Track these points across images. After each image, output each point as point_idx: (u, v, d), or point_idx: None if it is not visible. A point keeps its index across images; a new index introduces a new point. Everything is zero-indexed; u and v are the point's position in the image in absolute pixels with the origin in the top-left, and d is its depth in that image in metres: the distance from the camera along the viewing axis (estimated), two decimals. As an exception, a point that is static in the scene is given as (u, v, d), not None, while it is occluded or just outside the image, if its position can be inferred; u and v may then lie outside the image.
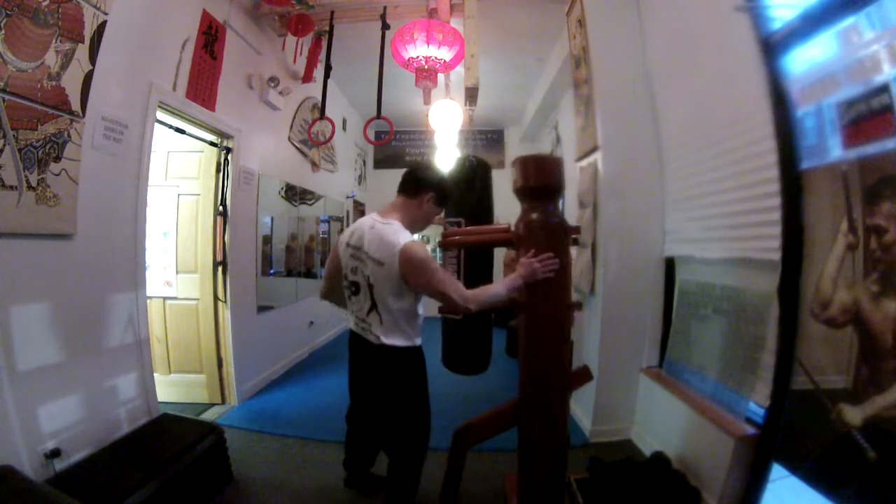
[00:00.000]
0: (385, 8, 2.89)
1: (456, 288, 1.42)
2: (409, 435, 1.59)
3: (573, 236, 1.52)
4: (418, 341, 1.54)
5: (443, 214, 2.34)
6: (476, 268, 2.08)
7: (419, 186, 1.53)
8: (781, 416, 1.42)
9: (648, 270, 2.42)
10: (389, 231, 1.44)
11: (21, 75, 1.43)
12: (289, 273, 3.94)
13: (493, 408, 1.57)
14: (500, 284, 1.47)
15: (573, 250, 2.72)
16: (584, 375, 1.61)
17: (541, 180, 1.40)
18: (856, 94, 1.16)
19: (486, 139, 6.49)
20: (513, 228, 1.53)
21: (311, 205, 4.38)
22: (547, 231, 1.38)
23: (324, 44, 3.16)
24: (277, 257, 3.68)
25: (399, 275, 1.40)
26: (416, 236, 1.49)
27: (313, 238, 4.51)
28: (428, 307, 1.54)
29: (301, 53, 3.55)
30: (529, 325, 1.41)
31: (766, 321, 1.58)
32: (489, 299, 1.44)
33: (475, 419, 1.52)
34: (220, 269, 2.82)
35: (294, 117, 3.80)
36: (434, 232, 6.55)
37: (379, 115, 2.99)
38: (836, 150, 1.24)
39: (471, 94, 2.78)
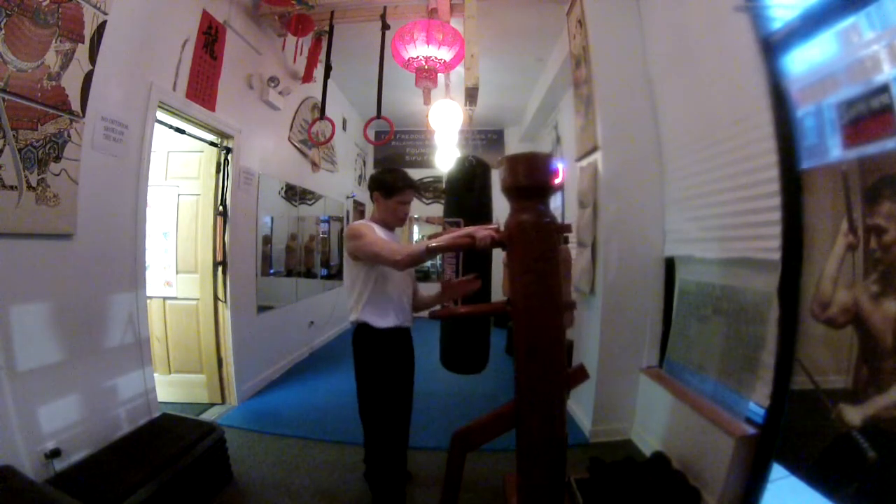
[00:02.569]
0: (385, 8, 2.89)
1: (383, 246, 1.52)
2: (366, 414, 1.65)
3: (564, 235, 1.52)
4: (377, 323, 1.61)
5: (443, 214, 2.35)
6: (474, 264, 2.08)
7: (370, 191, 1.74)
8: (781, 416, 1.42)
9: (648, 270, 2.42)
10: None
11: (21, 75, 1.43)
12: (289, 273, 3.94)
13: (493, 407, 1.57)
14: (424, 243, 1.54)
15: (573, 250, 2.73)
16: (581, 374, 1.61)
17: (532, 179, 1.38)
18: (856, 94, 1.16)
19: (486, 139, 6.50)
20: (502, 229, 1.51)
21: (311, 205, 4.38)
22: (539, 231, 1.36)
23: (324, 44, 3.16)
24: (277, 257, 3.68)
25: (346, 252, 1.62)
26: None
27: (313, 238, 4.51)
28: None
29: (301, 53, 3.55)
30: (525, 324, 1.40)
31: (766, 321, 1.57)
32: (415, 253, 1.51)
33: (474, 423, 1.51)
34: (220, 269, 2.82)
35: (294, 117, 3.80)
36: (433, 232, 6.56)
37: (379, 115, 2.99)
38: (836, 150, 1.24)
39: (471, 94, 2.78)
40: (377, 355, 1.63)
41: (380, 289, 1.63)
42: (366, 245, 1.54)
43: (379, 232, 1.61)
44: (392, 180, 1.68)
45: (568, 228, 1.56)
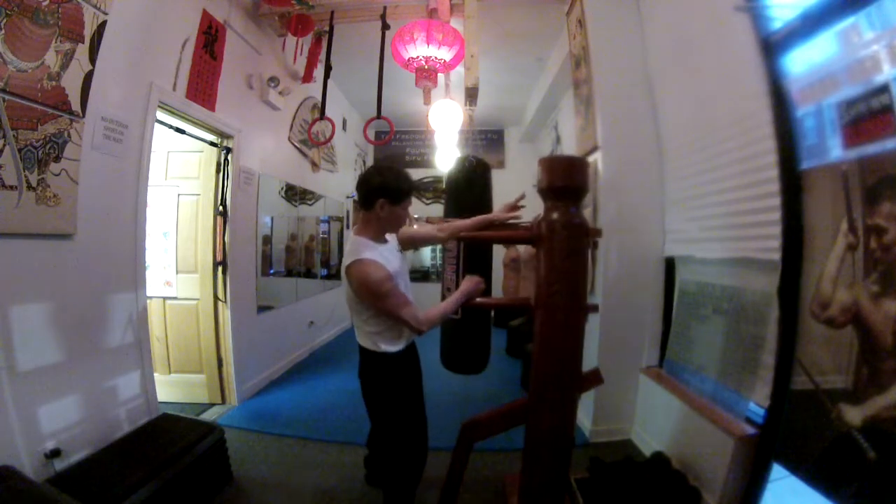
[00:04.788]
0: (385, 8, 2.89)
1: (408, 310, 1.44)
2: (390, 436, 1.60)
3: (594, 239, 1.53)
4: (390, 348, 1.50)
5: (443, 214, 2.34)
6: (474, 264, 2.08)
7: (368, 197, 1.49)
8: (781, 416, 1.42)
9: (648, 270, 2.42)
10: (350, 248, 1.49)
11: (21, 75, 1.43)
12: (289, 273, 3.94)
13: (495, 406, 1.58)
14: (450, 303, 1.54)
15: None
16: (595, 378, 1.61)
17: (567, 180, 1.40)
18: (856, 94, 1.16)
19: (486, 139, 6.49)
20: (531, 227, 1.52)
21: (311, 205, 4.38)
22: (569, 231, 1.37)
23: (324, 44, 3.16)
24: (277, 257, 3.67)
25: (350, 290, 1.47)
26: (372, 254, 1.44)
27: (313, 238, 4.51)
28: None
29: (301, 53, 3.55)
30: (546, 324, 1.40)
31: (766, 321, 1.58)
32: (441, 318, 1.52)
33: (483, 414, 1.52)
34: (220, 269, 2.82)
35: (294, 117, 3.80)
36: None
37: (379, 115, 2.99)
38: (836, 150, 1.24)
39: (471, 94, 2.78)
40: (395, 382, 1.54)
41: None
42: (389, 307, 1.41)
43: (378, 256, 1.43)
44: (398, 185, 1.49)
45: (598, 233, 1.57)
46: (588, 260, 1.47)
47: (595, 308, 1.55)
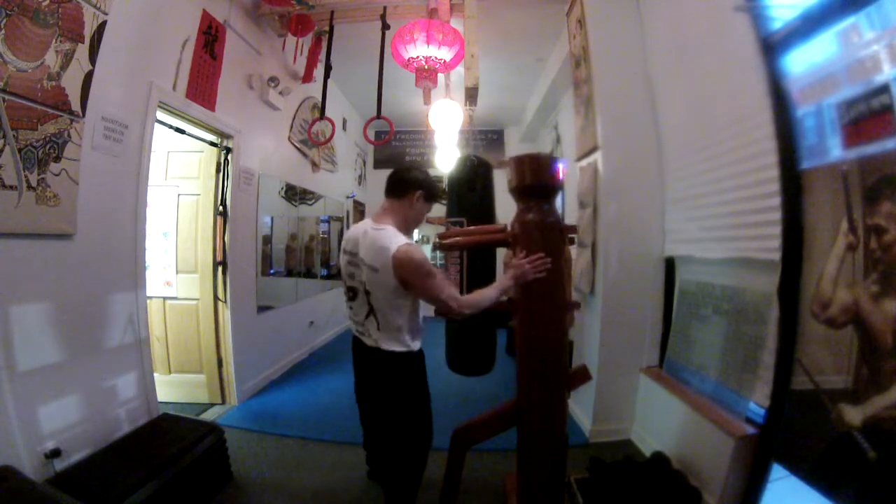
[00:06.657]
0: (385, 8, 2.89)
1: (451, 293, 1.43)
2: (407, 439, 1.58)
3: (570, 235, 1.53)
4: (416, 346, 1.52)
5: (444, 214, 2.34)
6: (478, 267, 2.08)
7: (406, 186, 1.53)
8: (781, 416, 1.42)
9: (648, 270, 2.42)
10: (383, 237, 1.43)
11: (21, 75, 1.43)
12: (289, 273, 3.94)
13: (492, 408, 1.58)
14: (493, 288, 1.50)
15: (573, 250, 2.74)
16: (583, 375, 1.61)
17: (536, 179, 1.40)
18: (856, 94, 1.16)
19: (486, 139, 6.49)
20: (509, 228, 1.53)
21: (311, 205, 4.38)
22: (543, 231, 1.38)
23: (324, 44, 3.16)
24: (277, 257, 3.67)
25: (395, 280, 1.39)
26: (412, 239, 1.49)
27: (313, 238, 4.51)
28: (426, 307, 1.54)
29: (301, 53, 3.55)
30: (526, 324, 1.41)
31: (766, 321, 1.58)
32: (483, 303, 1.48)
33: (474, 420, 1.52)
34: (220, 269, 2.82)
35: (294, 117, 3.80)
36: (433, 232, 6.56)
37: (379, 115, 2.99)
38: (836, 150, 1.24)
39: (471, 94, 2.78)
40: (421, 378, 1.56)
41: (418, 310, 1.53)
42: (434, 287, 1.39)
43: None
44: (435, 185, 1.58)
45: (573, 229, 1.57)
46: (566, 257, 1.48)
47: (577, 305, 1.55)
